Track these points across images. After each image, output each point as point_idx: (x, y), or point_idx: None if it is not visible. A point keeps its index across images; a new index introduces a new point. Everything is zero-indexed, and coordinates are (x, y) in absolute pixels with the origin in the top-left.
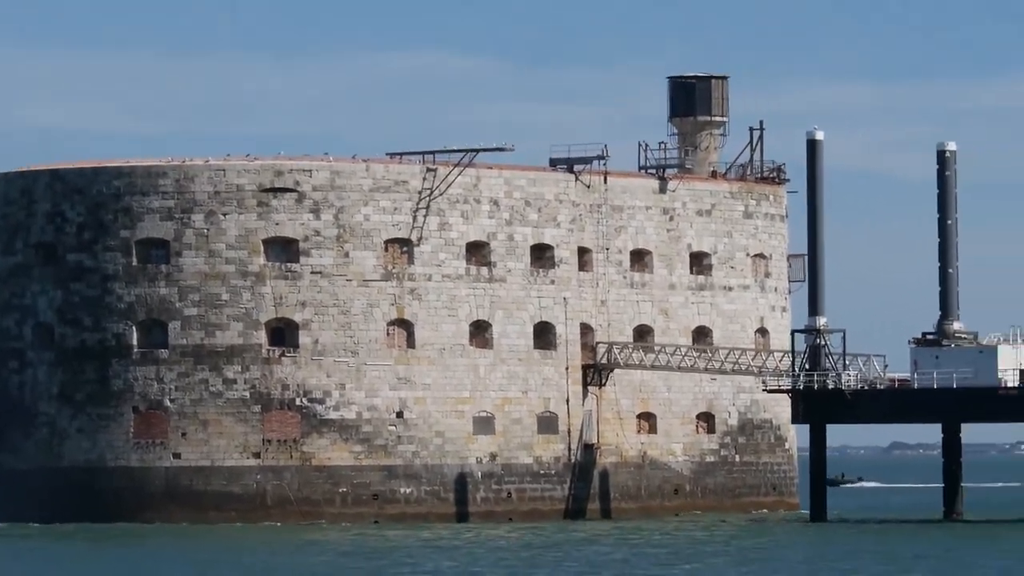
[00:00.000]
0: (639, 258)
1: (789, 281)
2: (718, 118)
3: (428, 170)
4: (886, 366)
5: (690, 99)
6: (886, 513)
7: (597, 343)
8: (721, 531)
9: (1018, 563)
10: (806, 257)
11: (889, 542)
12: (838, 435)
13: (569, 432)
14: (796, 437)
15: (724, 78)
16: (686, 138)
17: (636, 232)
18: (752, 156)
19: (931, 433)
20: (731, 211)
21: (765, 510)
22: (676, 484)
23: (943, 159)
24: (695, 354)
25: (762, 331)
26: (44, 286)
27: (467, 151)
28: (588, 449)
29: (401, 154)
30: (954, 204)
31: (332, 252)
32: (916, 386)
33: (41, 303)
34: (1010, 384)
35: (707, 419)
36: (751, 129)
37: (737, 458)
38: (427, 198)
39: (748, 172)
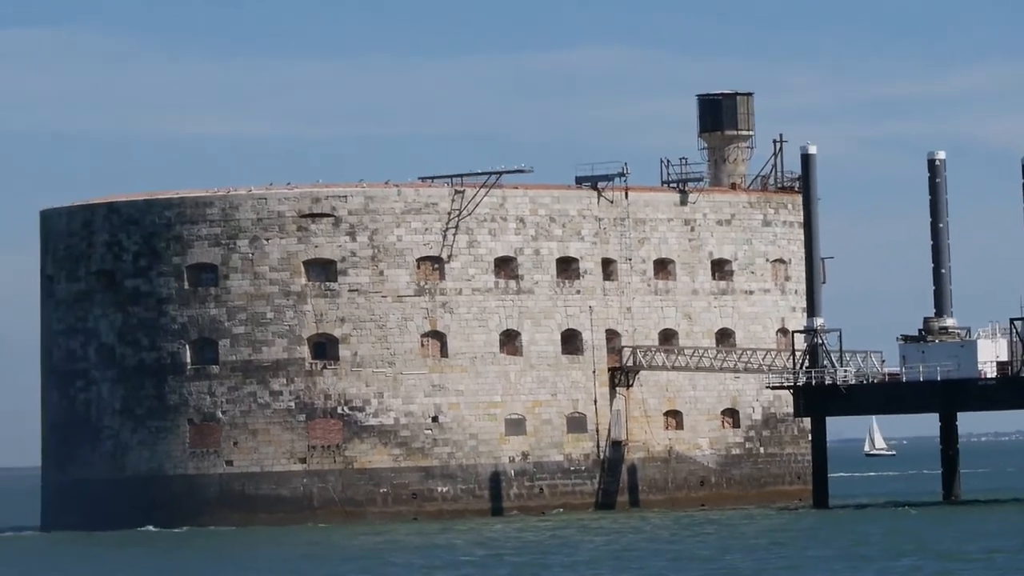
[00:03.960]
0: (662, 267)
1: None
2: (744, 132)
3: (456, 192)
4: (883, 361)
5: (717, 115)
6: (891, 498)
7: (623, 347)
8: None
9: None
10: (822, 260)
11: (857, 522)
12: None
13: (597, 430)
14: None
15: (749, 95)
16: (715, 152)
17: (659, 242)
18: (775, 167)
19: None
20: (750, 220)
21: (794, 500)
22: (702, 476)
23: (933, 167)
24: (711, 355)
25: (783, 331)
26: (105, 310)
27: (491, 173)
28: (616, 446)
29: (432, 178)
30: (945, 208)
31: (368, 271)
32: (904, 379)
33: (103, 326)
34: (989, 375)
35: (732, 415)
36: (774, 141)
37: (762, 450)
38: (456, 218)
39: (770, 182)
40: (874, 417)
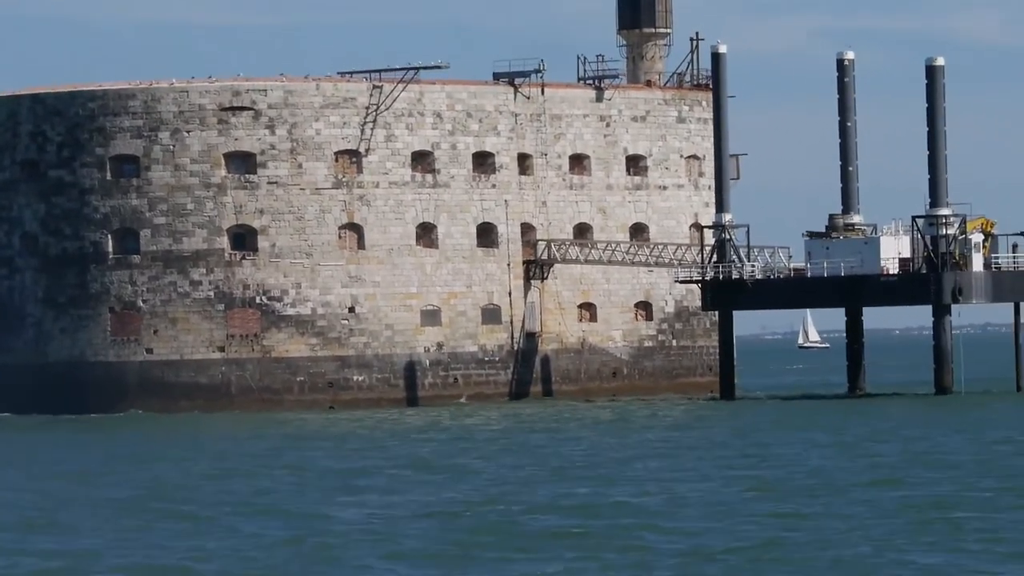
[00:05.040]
0: (578, 162)
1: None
2: (662, 29)
3: (374, 87)
4: (790, 257)
5: (636, 12)
6: (798, 391)
7: (538, 240)
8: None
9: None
10: (736, 157)
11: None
12: None
13: (512, 322)
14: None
15: None
16: (633, 49)
17: (574, 138)
18: (691, 65)
19: None
20: (665, 116)
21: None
22: (614, 367)
23: (842, 66)
24: (624, 249)
25: (696, 226)
26: (29, 200)
27: (408, 69)
28: (531, 337)
29: (351, 73)
30: (853, 108)
31: (287, 164)
32: (809, 275)
33: (27, 215)
34: (891, 271)
35: (645, 308)
36: (691, 39)
37: (674, 343)
38: (374, 113)
39: (687, 79)
40: (808, 310)
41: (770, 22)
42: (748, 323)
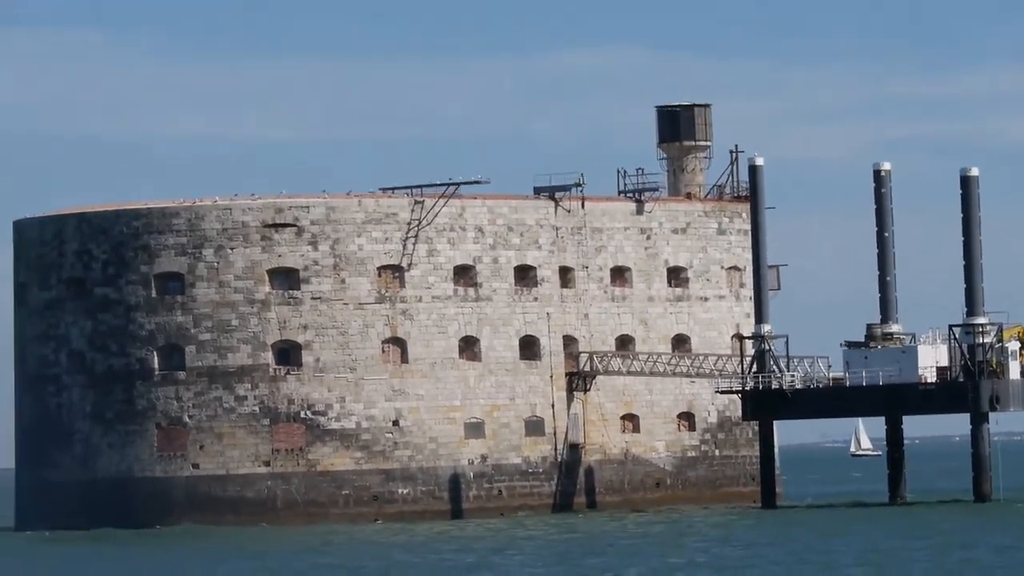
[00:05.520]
0: (619, 274)
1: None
2: (702, 142)
3: (416, 202)
4: (829, 366)
5: (675, 126)
6: (842, 499)
7: (580, 352)
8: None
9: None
10: (776, 267)
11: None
12: None
13: (555, 434)
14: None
15: (707, 106)
16: (673, 162)
17: (616, 251)
18: (731, 176)
19: None
20: (705, 228)
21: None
22: (658, 478)
23: (879, 177)
24: (665, 360)
25: (738, 336)
26: (76, 317)
27: (449, 184)
28: (574, 448)
29: (392, 188)
30: (890, 218)
31: (330, 279)
32: (848, 384)
33: (74, 333)
34: (929, 380)
35: (688, 418)
36: (730, 152)
37: (717, 452)
38: (416, 228)
39: (727, 191)
40: (860, 419)
41: (809, 132)
42: (807, 432)
